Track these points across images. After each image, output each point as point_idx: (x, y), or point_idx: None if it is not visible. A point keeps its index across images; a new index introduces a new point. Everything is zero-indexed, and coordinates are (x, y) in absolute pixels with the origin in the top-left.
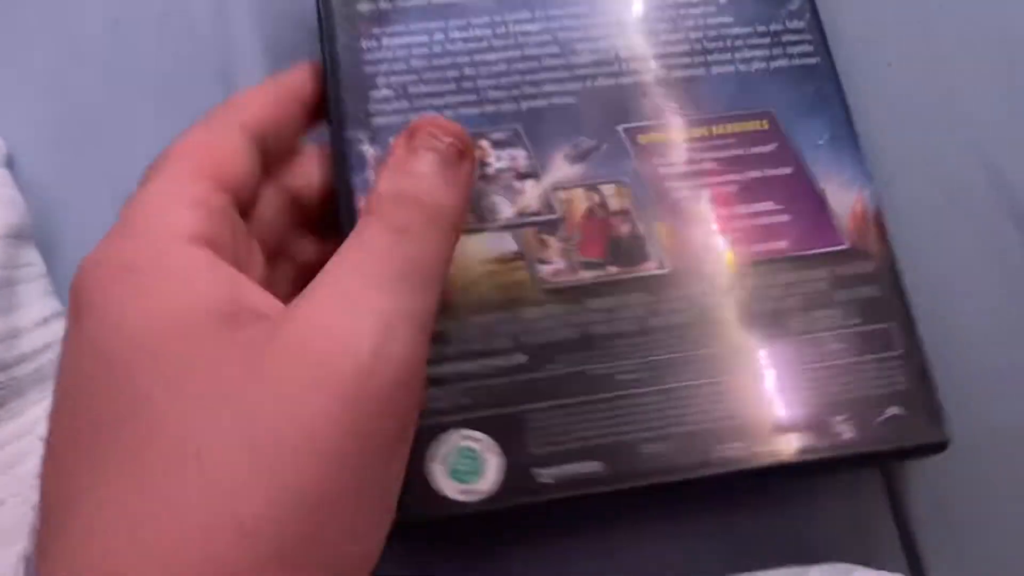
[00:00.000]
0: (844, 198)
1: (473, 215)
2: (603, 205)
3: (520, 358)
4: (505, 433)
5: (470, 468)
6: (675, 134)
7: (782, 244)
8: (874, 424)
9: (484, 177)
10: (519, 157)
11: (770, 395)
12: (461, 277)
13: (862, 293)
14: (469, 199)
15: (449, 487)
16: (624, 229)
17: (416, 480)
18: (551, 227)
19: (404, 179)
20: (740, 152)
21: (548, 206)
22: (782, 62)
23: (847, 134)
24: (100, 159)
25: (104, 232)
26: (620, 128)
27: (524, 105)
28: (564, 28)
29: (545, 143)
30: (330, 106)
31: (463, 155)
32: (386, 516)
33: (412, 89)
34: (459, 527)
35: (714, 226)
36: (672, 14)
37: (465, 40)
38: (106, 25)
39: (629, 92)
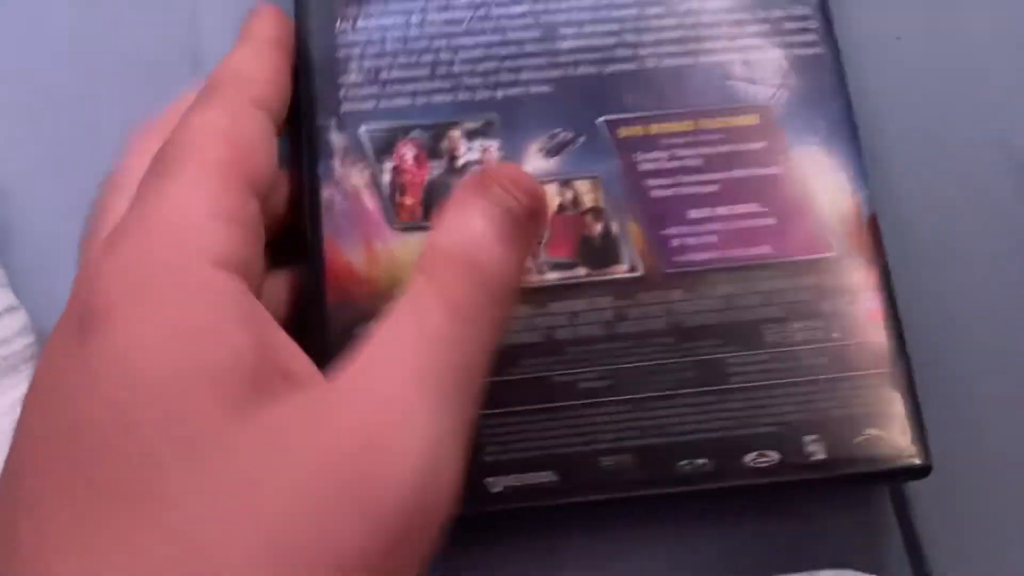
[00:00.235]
0: (836, 202)
1: (438, 210)
2: (576, 202)
3: None
4: None
5: None
6: (658, 128)
7: (765, 249)
8: (850, 445)
9: (452, 169)
10: (491, 148)
11: (740, 410)
12: None
13: (848, 305)
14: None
15: None
16: (596, 228)
17: None
18: None
19: (463, 236)
20: (727, 149)
21: None
22: (781, 51)
23: (846, 132)
24: (61, 143)
25: (64, 223)
26: (600, 120)
27: (500, 93)
28: (549, 11)
29: (520, 134)
30: (299, 89)
31: (534, 217)
32: None
33: (384, 75)
34: None
35: (692, 228)
36: None
37: (444, 23)
38: (72, 3)
39: (613, 82)
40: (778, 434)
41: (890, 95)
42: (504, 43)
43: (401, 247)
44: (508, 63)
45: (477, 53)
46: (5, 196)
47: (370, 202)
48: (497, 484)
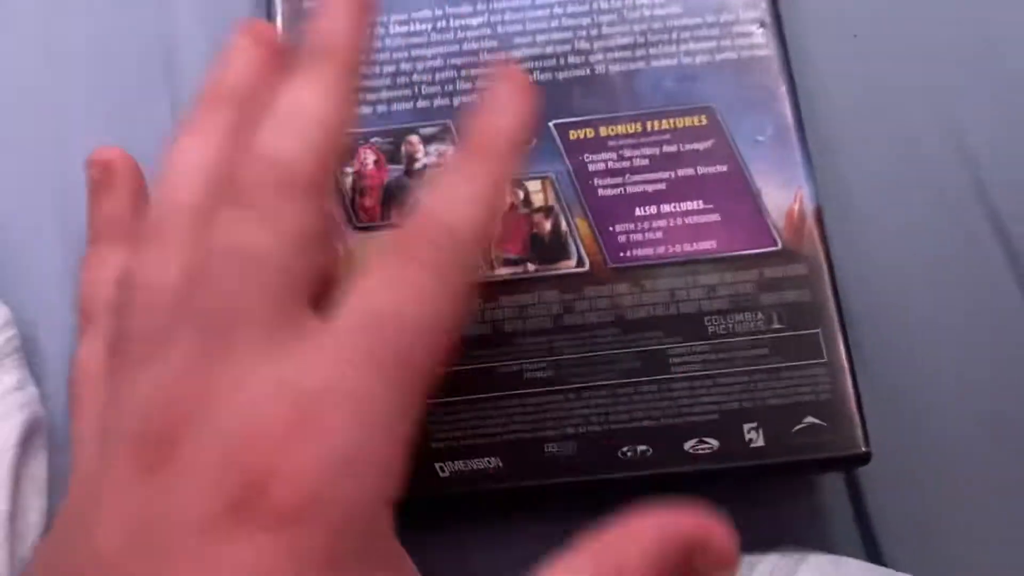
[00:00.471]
0: (781, 197)
1: (396, 211)
2: (527, 201)
3: None
4: None
5: None
6: (607, 130)
7: (709, 244)
8: (789, 434)
9: (410, 172)
10: (447, 154)
11: (681, 399)
12: None
13: (790, 297)
14: None
15: None
16: (546, 226)
17: None
18: None
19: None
20: (674, 149)
21: None
22: (729, 54)
23: (792, 130)
24: (33, 137)
25: (40, 218)
26: (551, 124)
27: (456, 100)
28: (504, 22)
29: None
30: None
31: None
32: None
33: None
34: None
35: (638, 225)
36: (619, 4)
37: (405, 35)
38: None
39: (565, 87)
40: (718, 422)
41: (846, 91)
42: (461, 53)
43: (360, 246)
44: (465, 72)
45: (436, 63)
46: None
47: (332, 204)
48: (445, 469)
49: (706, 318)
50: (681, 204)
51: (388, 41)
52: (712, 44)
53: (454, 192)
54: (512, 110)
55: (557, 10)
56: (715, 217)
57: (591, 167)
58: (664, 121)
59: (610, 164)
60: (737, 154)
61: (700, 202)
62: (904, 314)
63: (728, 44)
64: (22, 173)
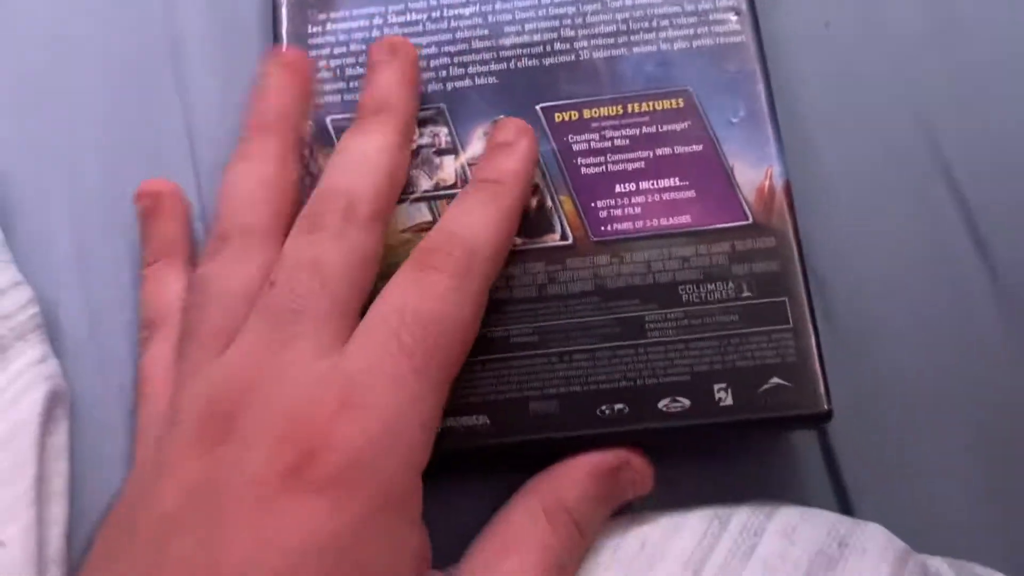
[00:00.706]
0: (752, 174)
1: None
2: None
3: None
4: None
5: None
6: (590, 112)
7: (684, 219)
8: (756, 394)
9: None
10: (441, 134)
11: (656, 362)
12: None
13: (759, 268)
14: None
15: None
16: (532, 202)
17: None
18: None
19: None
20: (652, 130)
21: (464, 180)
22: (706, 41)
23: (764, 112)
24: (45, 128)
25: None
26: (538, 107)
27: (450, 86)
28: (495, 11)
29: (467, 121)
30: None
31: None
32: None
33: (348, 71)
34: None
35: (618, 201)
36: None
37: (401, 25)
38: None
39: (550, 73)
40: (690, 383)
41: (817, 77)
42: (454, 41)
43: None
44: (457, 59)
45: (431, 51)
46: (5, 179)
47: None
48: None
49: (680, 287)
50: (659, 181)
51: (386, 30)
52: (689, 31)
53: (468, 216)
54: (518, 154)
55: (544, 0)
56: (690, 193)
57: (575, 147)
58: (644, 104)
59: (593, 144)
60: (712, 134)
61: (676, 179)
62: (870, 281)
63: (705, 31)
64: (37, 171)
